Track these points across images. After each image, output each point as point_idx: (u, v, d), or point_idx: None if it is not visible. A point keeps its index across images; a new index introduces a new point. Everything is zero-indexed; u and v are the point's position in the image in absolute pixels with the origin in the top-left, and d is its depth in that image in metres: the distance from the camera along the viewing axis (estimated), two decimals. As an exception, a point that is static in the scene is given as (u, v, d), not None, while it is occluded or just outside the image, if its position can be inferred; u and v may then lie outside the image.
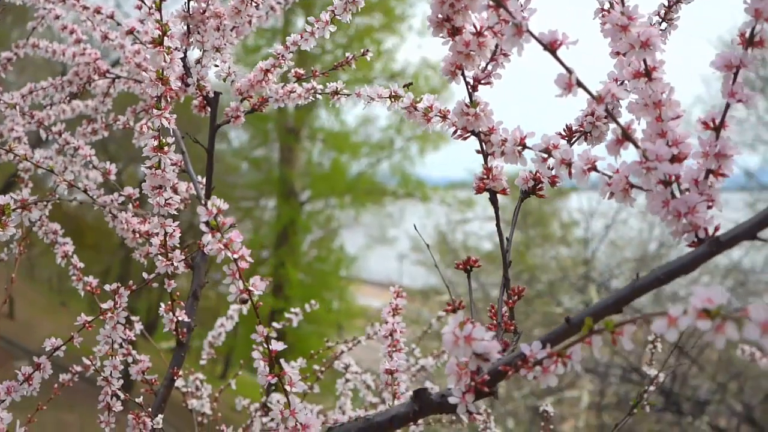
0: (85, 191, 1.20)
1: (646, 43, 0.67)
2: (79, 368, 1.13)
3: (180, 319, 1.07)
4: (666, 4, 0.83)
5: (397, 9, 9.87)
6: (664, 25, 0.84)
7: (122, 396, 1.05)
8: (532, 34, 0.63)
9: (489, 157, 0.79)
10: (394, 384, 1.06)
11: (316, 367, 1.54)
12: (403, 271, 10.55)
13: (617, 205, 7.69)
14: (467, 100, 0.77)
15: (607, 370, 6.48)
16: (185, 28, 1.10)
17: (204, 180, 1.21)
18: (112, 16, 1.25)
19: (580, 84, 0.64)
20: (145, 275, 1.06)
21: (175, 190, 0.99)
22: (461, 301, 0.79)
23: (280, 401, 0.76)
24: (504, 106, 0.88)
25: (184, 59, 1.13)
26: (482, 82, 0.77)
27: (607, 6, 0.78)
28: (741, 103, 0.64)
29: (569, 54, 0.66)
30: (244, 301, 0.74)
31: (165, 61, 0.85)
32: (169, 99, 0.89)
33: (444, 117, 0.84)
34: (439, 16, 0.73)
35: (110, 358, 1.04)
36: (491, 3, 0.64)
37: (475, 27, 0.73)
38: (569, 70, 0.63)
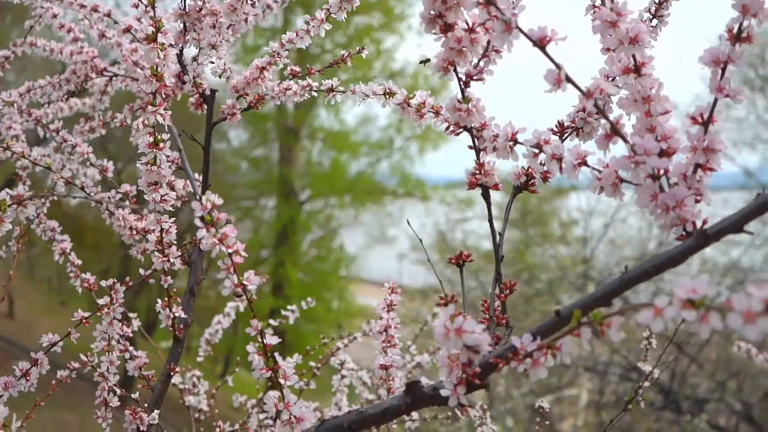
0: (82, 188, 1.21)
1: (635, 39, 0.67)
2: (76, 364, 1.13)
3: (177, 315, 1.08)
4: (656, 1, 0.84)
5: (397, 8, 9.89)
6: (654, 22, 0.85)
7: (119, 392, 1.06)
8: (521, 31, 0.64)
9: (481, 152, 0.80)
10: (388, 380, 1.06)
11: (313, 363, 1.55)
12: (402, 271, 10.55)
13: (616, 204, 7.72)
14: (459, 96, 0.78)
15: (607, 368, 6.49)
16: (182, 26, 1.11)
17: (200, 177, 1.21)
18: (109, 15, 1.26)
19: (569, 79, 0.64)
20: (142, 271, 1.07)
21: (171, 187, 1.00)
22: (453, 295, 0.79)
23: (275, 396, 0.77)
24: (495, 102, 0.89)
25: (180, 57, 1.14)
26: (474, 78, 0.78)
27: (598, 2, 0.78)
28: (728, 98, 0.64)
29: (561, 51, 0.66)
30: (238, 295, 0.75)
31: (159, 58, 0.86)
32: (164, 95, 0.89)
33: (437, 113, 0.84)
34: (432, 12, 0.73)
35: (107, 353, 1.05)
36: (481, 0, 0.65)
37: (467, 24, 0.74)
38: (558, 66, 0.64)
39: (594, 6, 0.78)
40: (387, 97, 0.97)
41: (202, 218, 0.73)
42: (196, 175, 1.23)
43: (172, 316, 1.08)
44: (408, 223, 0.94)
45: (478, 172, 0.79)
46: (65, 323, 1.06)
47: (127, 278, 1.06)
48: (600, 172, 0.69)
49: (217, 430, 1.33)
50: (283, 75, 1.20)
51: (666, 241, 7.26)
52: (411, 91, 0.91)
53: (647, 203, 0.65)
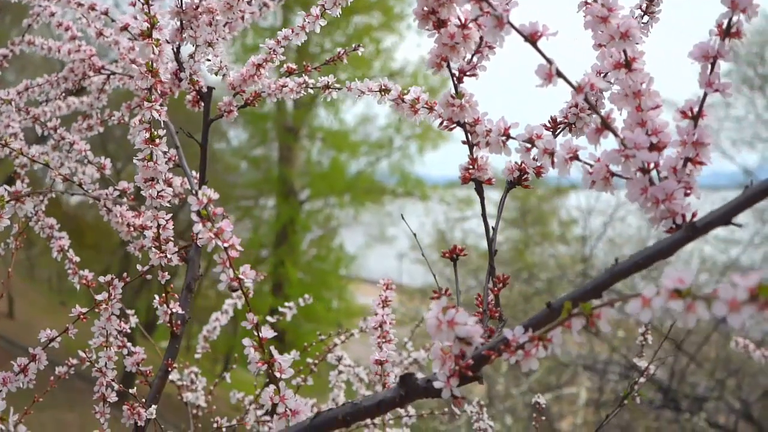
0: (79, 185, 1.21)
1: (625, 34, 0.68)
2: (75, 361, 1.14)
3: (174, 311, 1.09)
4: (648, -3, 0.85)
5: (396, 8, 9.89)
6: (646, 18, 0.85)
7: (117, 387, 1.07)
8: (512, 26, 0.65)
9: (474, 147, 0.80)
10: (384, 375, 1.07)
11: (310, 360, 1.56)
12: (402, 270, 10.56)
13: (615, 203, 7.73)
14: (453, 92, 0.79)
15: (606, 367, 6.50)
16: (179, 23, 1.12)
17: (198, 175, 1.22)
18: (106, 13, 1.27)
19: (560, 74, 0.65)
20: (139, 267, 1.07)
21: (168, 184, 1.01)
22: (447, 289, 0.80)
23: (271, 389, 0.77)
24: (488, 98, 0.90)
25: (177, 55, 1.15)
26: (467, 74, 0.79)
27: (590, -1, 0.79)
28: (717, 92, 0.65)
29: (558, 49, 0.67)
30: (234, 289, 0.75)
31: (154, 53, 0.87)
32: (159, 91, 0.90)
33: (431, 109, 0.85)
34: (425, 9, 0.74)
35: (105, 349, 1.06)
36: (473, -5, 0.66)
37: (459, 19, 0.74)
38: (549, 61, 0.65)
39: (586, 2, 0.79)
40: (382, 93, 0.98)
41: (198, 213, 0.74)
42: (194, 173, 1.24)
43: (169, 312, 1.08)
44: (402, 217, 0.95)
45: (471, 166, 0.80)
46: (65, 323, 1.07)
47: (125, 274, 1.07)
48: (591, 166, 0.70)
49: (215, 425, 1.34)
50: (281, 73, 1.21)
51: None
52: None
53: (637, 196, 0.66)
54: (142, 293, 7.75)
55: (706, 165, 0.67)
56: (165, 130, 0.94)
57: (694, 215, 0.64)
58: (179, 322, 1.12)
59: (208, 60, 1.12)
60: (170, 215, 1.02)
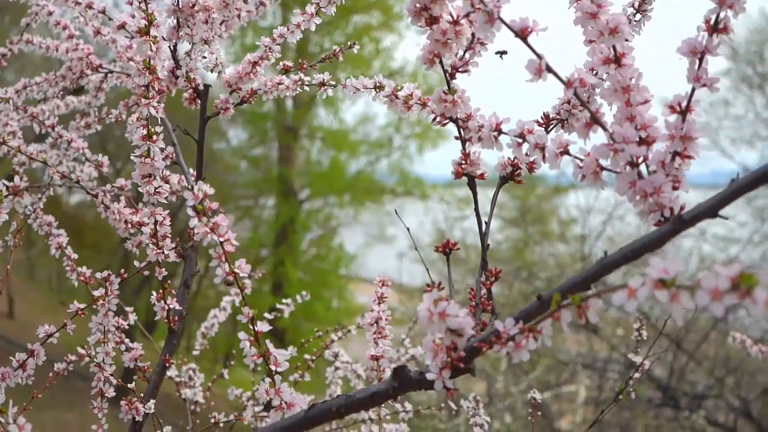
0: (77, 182, 1.22)
1: (614, 30, 0.69)
2: (73, 357, 1.15)
3: (172, 307, 1.09)
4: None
5: (396, 7, 9.89)
6: (638, 16, 0.86)
7: (114, 381, 1.07)
8: (503, 22, 0.66)
9: (467, 142, 0.81)
10: (379, 370, 1.08)
11: (308, 356, 1.57)
12: (402, 269, 10.57)
13: (614, 202, 7.74)
14: (445, 88, 0.80)
15: (605, 365, 6.51)
16: (175, 22, 1.12)
17: (195, 172, 1.23)
18: (104, 12, 1.27)
19: (549, 69, 0.66)
20: (136, 263, 1.08)
21: (166, 181, 1.02)
22: (440, 282, 0.81)
23: (266, 383, 0.78)
24: (481, 93, 0.91)
25: (174, 53, 1.16)
26: (460, 70, 0.80)
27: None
28: (705, 87, 0.66)
29: (553, 47, 0.68)
30: (229, 284, 0.76)
31: (151, 50, 0.87)
32: (156, 88, 0.91)
33: (424, 105, 0.86)
34: (418, 5, 0.75)
35: (102, 344, 1.07)
36: (464, -9, 0.67)
37: (451, 16, 0.75)
38: (539, 56, 0.66)
39: (577, -1, 0.80)
40: (377, 90, 0.99)
41: (194, 207, 0.75)
42: (191, 170, 1.25)
43: (167, 308, 1.09)
44: (395, 212, 0.96)
45: (464, 161, 0.81)
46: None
47: (122, 270, 1.07)
48: (581, 160, 0.71)
49: (213, 421, 1.35)
50: (278, 72, 1.22)
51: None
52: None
53: (626, 190, 0.66)
54: (142, 293, 7.76)
55: (694, 159, 0.68)
56: (162, 127, 0.95)
57: (682, 208, 0.65)
58: (176, 317, 1.13)
59: (204, 57, 1.13)
60: (167, 212, 1.03)
